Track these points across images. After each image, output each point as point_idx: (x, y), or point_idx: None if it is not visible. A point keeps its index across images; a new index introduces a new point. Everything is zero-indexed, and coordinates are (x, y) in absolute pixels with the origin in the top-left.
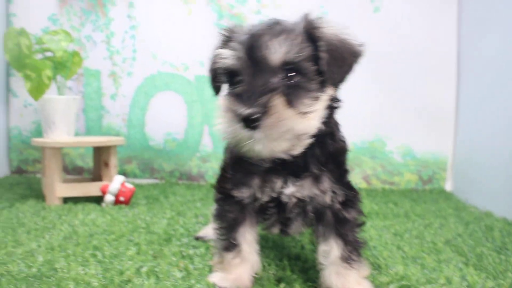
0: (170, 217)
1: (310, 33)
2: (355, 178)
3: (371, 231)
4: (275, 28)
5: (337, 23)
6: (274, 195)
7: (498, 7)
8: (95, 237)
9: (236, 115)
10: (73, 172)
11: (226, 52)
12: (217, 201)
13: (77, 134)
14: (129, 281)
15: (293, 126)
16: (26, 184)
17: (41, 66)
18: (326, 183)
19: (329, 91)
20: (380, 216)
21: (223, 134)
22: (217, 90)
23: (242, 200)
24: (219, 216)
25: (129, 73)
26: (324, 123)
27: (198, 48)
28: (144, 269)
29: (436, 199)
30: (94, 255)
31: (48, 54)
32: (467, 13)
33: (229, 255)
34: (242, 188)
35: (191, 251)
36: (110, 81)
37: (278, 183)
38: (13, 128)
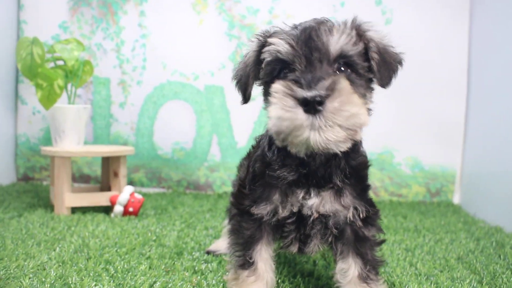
0: (180, 229)
1: (360, 34)
2: None
3: (383, 247)
4: (327, 23)
5: (380, 30)
6: (295, 209)
7: (509, 22)
8: (106, 250)
9: (297, 99)
10: (80, 180)
11: (277, 40)
12: (234, 216)
13: (85, 142)
14: None
15: (358, 112)
16: (33, 192)
17: (53, 76)
18: (348, 198)
19: (372, 93)
20: (391, 231)
21: (277, 120)
22: (247, 97)
23: (261, 217)
24: (235, 232)
25: (139, 81)
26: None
27: (209, 58)
28: (157, 285)
29: (445, 212)
30: (106, 269)
31: (59, 62)
32: (478, 28)
33: (244, 273)
34: (262, 204)
35: (203, 266)
36: (119, 89)
37: (300, 194)
38: (21, 135)
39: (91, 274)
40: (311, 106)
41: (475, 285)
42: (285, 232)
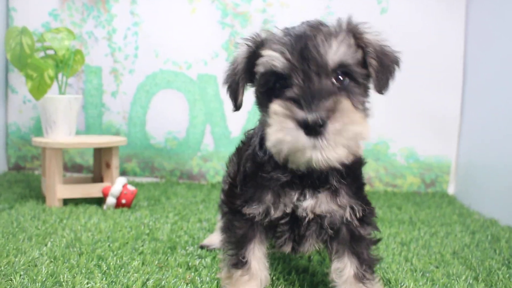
0: (174, 222)
1: (357, 38)
2: None
3: (379, 244)
4: (323, 29)
5: (375, 29)
6: (288, 210)
7: (505, 13)
8: (99, 245)
9: (297, 121)
10: (72, 169)
11: (271, 53)
12: (225, 214)
13: (77, 131)
14: None
15: (361, 131)
16: (25, 182)
17: (43, 66)
18: (344, 197)
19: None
20: (386, 223)
21: (277, 143)
22: (238, 105)
23: (254, 216)
24: (227, 230)
25: (131, 70)
26: None
27: (202, 47)
28: (150, 283)
29: (440, 203)
30: (98, 266)
31: (50, 51)
32: (475, 18)
33: (238, 272)
34: (253, 205)
35: (197, 262)
36: (111, 78)
37: (294, 195)
38: (12, 124)
39: (83, 271)
40: (313, 129)
41: (471, 282)
42: (278, 233)
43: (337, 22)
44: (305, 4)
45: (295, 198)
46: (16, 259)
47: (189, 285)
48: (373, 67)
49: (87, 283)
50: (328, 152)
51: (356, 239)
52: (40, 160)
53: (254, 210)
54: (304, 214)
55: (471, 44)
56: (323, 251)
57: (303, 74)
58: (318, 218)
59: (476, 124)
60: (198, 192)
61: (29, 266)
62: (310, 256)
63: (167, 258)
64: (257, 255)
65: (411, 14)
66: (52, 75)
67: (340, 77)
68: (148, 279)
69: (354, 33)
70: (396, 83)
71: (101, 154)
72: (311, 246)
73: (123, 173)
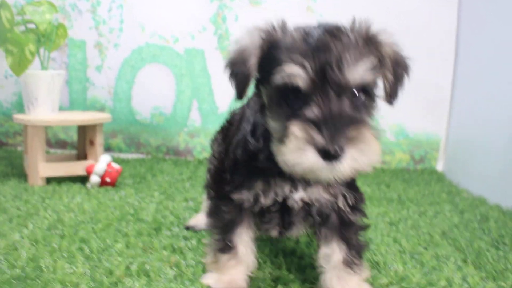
0: (159, 201)
1: (374, 46)
2: None
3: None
4: (343, 40)
5: (388, 32)
6: (279, 199)
7: None
8: (82, 226)
9: (317, 148)
10: (56, 145)
11: (293, 69)
12: (212, 198)
13: (60, 107)
14: (119, 281)
15: (376, 159)
16: (6, 159)
17: (24, 41)
18: (337, 186)
19: None
20: (374, 202)
21: (292, 163)
22: (243, 96)
23: (242, 203)
24: (214, 215)
25: (116, 44)
26: None
27: (189, 20)
28: (134, 267)
29: (428, 180)
30: (81, 249)
31: (31, 25)
32: None
33: (224, 257)
34: (243, 191)
35: (182, 243)
36: (95, 52)
37: (286, 187)
38: None
39: (64, 255)
40: (332, 157)
41: (460, 264)
42: (267, 218)
43: (355, 28)
44: None
45: (287, 189)
46: None
47: (174, 268)
48: (389, 81)
49: (69, 268)
50: (340, 174)
51: (345, 224)
52: (23, 136)
53: (243, 196)
54: (295, 205)
55: (464, 22)
56: (311, 233)
57: (323, 93)
58: (307, 206)
59: (467, 101)
60: (184, 169)
61: (9, 250)
62: (297, 238)
63: (152, 240)
64: (245, 239)
65: None
66: (33, 50)
67: (356, 93)
68: (131, 263)
69: (373, 43)
70: None
71: (85, 131)
72: (299, 231)
73: (108, 149)
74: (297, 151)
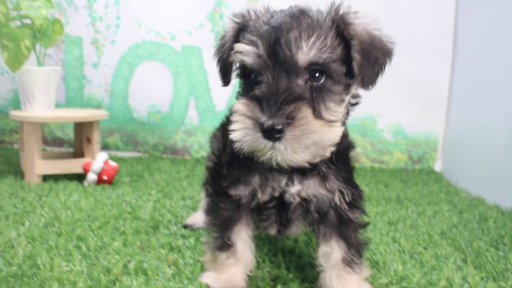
0: (156, 200)
1: (341, 29)
2: None
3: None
4: (302, 21)
5: (368, 15)
6: (276, 194)
7: None
8: (79, 224)
9: (257, 124)
10: (52, 143)
11: (244, 47)
12: (210, 195)
13: (56, 104)
14: (116, 280)
15: (320, 139)
16: (3, 157)
17: (20, 36)
18: (333, 182)
19: (353, 91)
20: (373, 201)
21: (238, 140)
22: (226, 81)
23: (240, 198)
24: (212, 212)
25: (113, 41)
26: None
27: (186, 17)
28: (131, 265)
29: (426, 180)
30: (78, 247)
31: (26, 21)
32: None
33: (222, 255)
34: (240, 186)
35: (180, 242)
36: (92, 49)
37: (283, 180)
38: None
39: (61, 253)
40: (270, 134)
41: (459, 264)
42: (265, 215)
43: (325, 10)
44: None
45: (283, 183)
46: None
47: (172, 267)
48: (356, 61)
49: (66, 266)
50: (287, 155)
51: (344, 222)
52: (19, 134)
53: (240, 191)
54: (292, 200)
55: (462, 21)
56: (310, 232)
57: (273, 72)
58: (304, 202)
59: (465, 101)
60: (182, 168)
61: (5, 247)
62: (296, 236)
63: (149, 239)
64: (243, 237)
65: None
66: (29, 45)
67: (317, 74)
68: (129, 261)
69: (340, 24)
70: None
71: (82, 129)
72: (297, 229)
73: (105, 147)
74: (241, 126)
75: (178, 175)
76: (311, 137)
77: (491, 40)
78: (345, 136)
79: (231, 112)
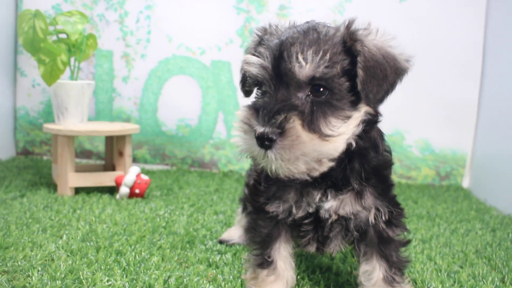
0: (189, 214)
1: (351, 44)
2: None
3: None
4: (309, 36)
5: (383, 33)
6: (311, 210)
7: None
8: (116, 238)
9: (252, 131)
10: (81, 155)
11: (253, 59)
12: (250, 213)
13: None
14: None
15: (309, 151)
16: (34, 168)
17: (56, 51)
18: (369, 199)
19: (365, 108)
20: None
21: (238, 145)
22: (246, 93)
23: (277, 215)
24: (252, 230)
25: (143, 55)
26: (361, 137)
27: (216, 32)
28: (172, 281)
29: (455, 197)
30: (117, 262)
31: (62, 35)
32: (496, 8)
33: (263, 272)
34: (275, 202)
35: (217, 258)
36: (122, 63)
37: (317, 196)
38: (20, 108)
39: (102, 268)
40: (262, 141)
41: (498, 283)
42: (302, 232)
43: (337, 26)
44: None
45: (317, 198)
46: (33, 253)
47: (212, 283)
48: (360, 78)
49: (108, 281)
50: (278, 165)
51: (384, 241)
52: (49, 145)
53: (276, 208)
54: (327, 216)
55: (492, 34)
56: (345, 249)
57: (275, 83)
58: (343, 219)
59: (493, 117)
60: (210, 181)
61: (46, 260)
62: (331, 253)
63: (187, 254)
64: (283, 254)
65: (431, 2)
66: (65, 60)
67: (321, 89)
68: (169, 277)
69: (348, 40)
70: (414, 74)
71: (113, 142)
72: (336, 247)
73: (133, 160)
74: (238, 133)
75: (208, 189)
76: (299, 148)
77: None
78: (381, 153)
79: None
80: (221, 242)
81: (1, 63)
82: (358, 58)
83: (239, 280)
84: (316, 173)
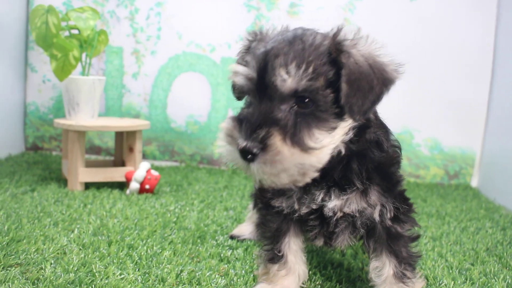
0: (200, 210)
1: (335, 56)
2: None
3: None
4: (295, 47)
5: (372, 41)
6: (315, 206)
7: None
8: (127, 233)
9: (236, 143)
10: (90, 151)
11: (239, 69)
12: (259, 210)
13: None
14: None
15: (290, 166)
16: (44, 163)
17: (69, 47)
18: (374, 196)
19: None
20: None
21: (221, 154)
22: (238, 98)
23: (283, 210)
24: (261, 225)
25: (153, 51)
26: (354, 142)
27: (226, 29)
28: (184, 275)
29: (464, 196)
30: (130, 256)
31: (74, 31)
32: (507, 9)
33: (274, 267)
34: (280, 198)
35: (228, 253)
36: (132, 59)
37: (318, 195)
38: (30, 104)
39: (114, 261)
40: (245, 155)
41: (510, 281)
42: (309, 227)
43: (326, 33)
44: None
45: (319, 198)
46: (45, 246)
47: (224, 277)
48: (344, 91)
49: (120, 274)
50: (261, 177)
51: (393, 237)
52: (59, 140)
53: (280, 203)
54: (331, 214)
55: (502, 34)
56: (356, 245)
57: (260, 95)
58: (349, 216)
59: (502, 116)
60: (219, 178)
61: (58, 253)
62: (343, 249)
63: (198, 249)
64: (293, 248)
65: (442, 2)
66: (77, 56)
67: (306, 100)
68: (181, 271)
69: (333, 51)
70: (423, 72)
71: (123, 138)
72: (344, 241)
73: (142, 156)
74: (222, 143)
75: (217, 185)
76: (280, 162)
77: None
78: (386, 150)
79: None
80: (232, 237)
81: (12, 59)
82: (342, 71)
83: (251, 275)
84: (301, 184)
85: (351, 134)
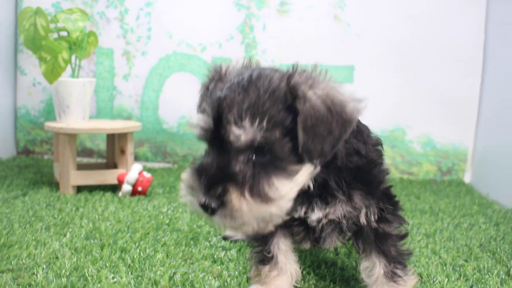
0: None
1: (290, 102)
2: None
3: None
4: (249, 95)
5: (330, 79)
6: (297, 216)
7: None
8: (120, 236)
9: (196, 196)
10: (82, 154)
11: (196, 121)
12: None
13: None
14: None
15: (249, 220)
16: (35, 167)
17: (58, 49)
18: (358, 199)
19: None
20: (407, 213)
21: (185, 203)
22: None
23: None
24: None
25: (143, 52)
26: (323, 172)
27: (217, 28)
28: (177, 277)
29: (457, 192)
30: (122, 259)
31: (63, 33)
32: (497, 4)
33: (265, 268)
34: None
35: (222, 254)
36: (123, 60)
37: (302, 209)
38: (21, 107)
39: (107, 265)
40: (205, 209)
41: (503, 277)
42: (295, 231)
43: (282, 75)
44: None
45: (302, 212)
46: (37, 251)
47: (217, 279)
48: (300, 139)
49: (113, 278)
50: (225, 228)
51: (381, 237)
52: (50, 144)
53: None
54: (314, 224)
55: (492, 29)
56: (349, 243)
57: (217, 147)
58: (335, 221)
59: (494, 112)
60: None
61: (50, 258)
62: (336, 248)
63: (191, 250)
64: (283, 248)
65: None
66: (66, 58)
67: (264, 150)
68: (175, 273)
69: (288, 97)
70: (415, 68)
71: (115, 140)
72: (332, 243)
73: (134, 158)
74: (184, 193)
75: None
76: (240, 217)
77: None
78: (363, 155)
79: None
80: (225, 238)
81: (1, 62)
82: (298, 119)
83: (245, 276)
84: (266, 230)
85: (318, 169)
